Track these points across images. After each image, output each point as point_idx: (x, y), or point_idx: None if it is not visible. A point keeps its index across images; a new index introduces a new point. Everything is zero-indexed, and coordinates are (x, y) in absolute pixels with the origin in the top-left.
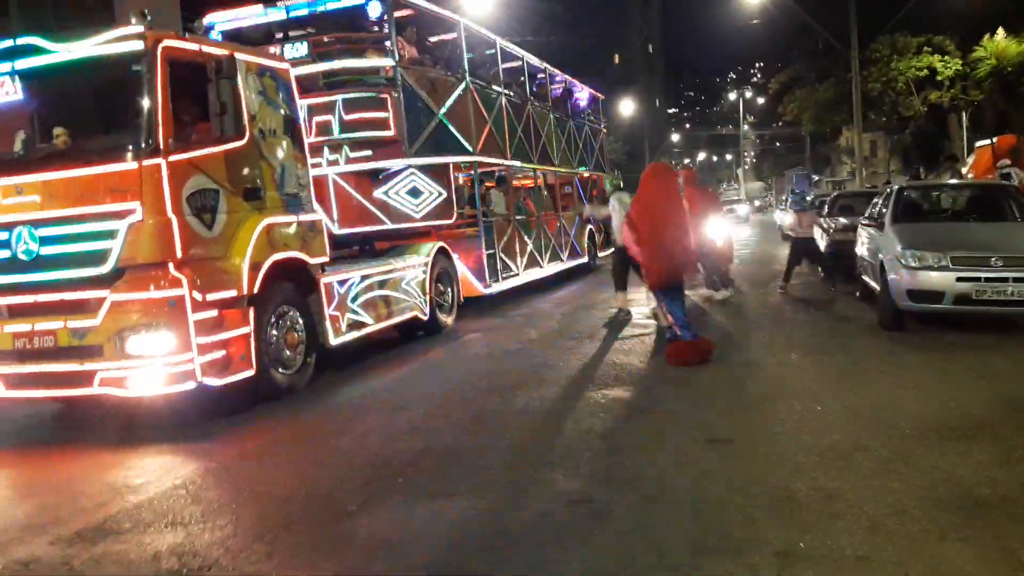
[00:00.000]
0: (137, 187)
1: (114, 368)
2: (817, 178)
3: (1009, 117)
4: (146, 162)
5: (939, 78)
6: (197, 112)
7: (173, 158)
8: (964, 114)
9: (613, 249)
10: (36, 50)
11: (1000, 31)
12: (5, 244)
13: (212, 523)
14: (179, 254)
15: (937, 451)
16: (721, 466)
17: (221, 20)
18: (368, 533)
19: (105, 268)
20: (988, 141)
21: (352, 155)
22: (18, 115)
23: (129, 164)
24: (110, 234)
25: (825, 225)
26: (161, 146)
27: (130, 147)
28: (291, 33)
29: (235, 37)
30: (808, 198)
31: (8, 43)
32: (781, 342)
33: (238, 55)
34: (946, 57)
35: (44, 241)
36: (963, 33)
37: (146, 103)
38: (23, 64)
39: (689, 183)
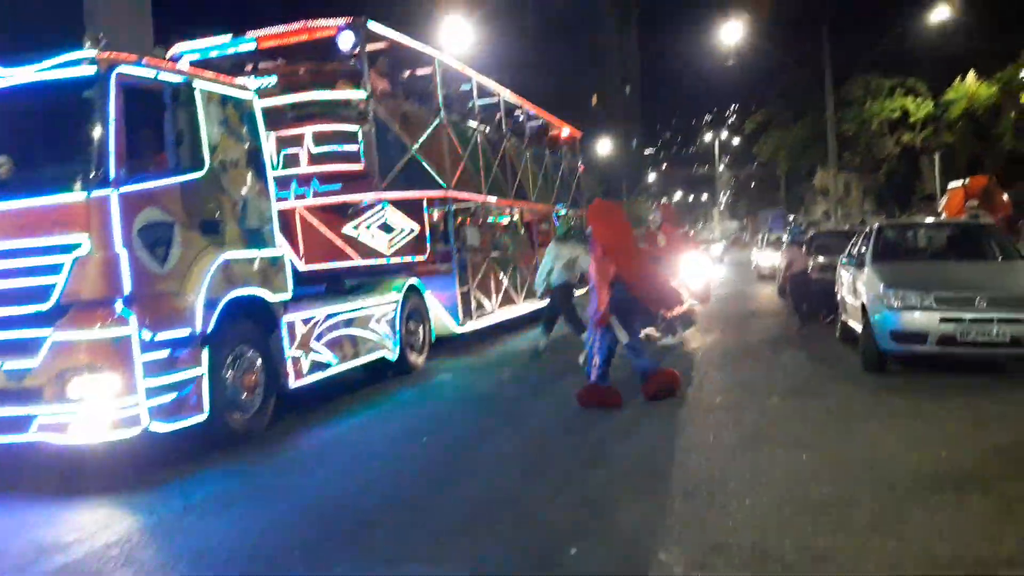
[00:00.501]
0: (84, 219)
1: (54, 413)
2: (792, 217)
3: (981, 159)
4: (94, 193)
5: (912, 120)
6: (154, 142)
7: (124, 189)
8: (936, 156)
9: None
10: None
11: (971, 74)
12: None
13: None
14: (127, 290)
15: (931, 505)
16: (698, 521)
17: (189, 50)
18: None
19: (47, 305)
20: (961, 182)
21: (321, 189)
22: None
23: (76, 195)
24: (54, 269)
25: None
26: (111, 176)
27: (78, 177)
28: (261, 65)
29: (204, 67)
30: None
31: None
32: (761, 384)
33: (197, 82)
34: (918, 99)
35: None
36: (935, 75)
37: (97, 131)
38: None
39: (668, 220)
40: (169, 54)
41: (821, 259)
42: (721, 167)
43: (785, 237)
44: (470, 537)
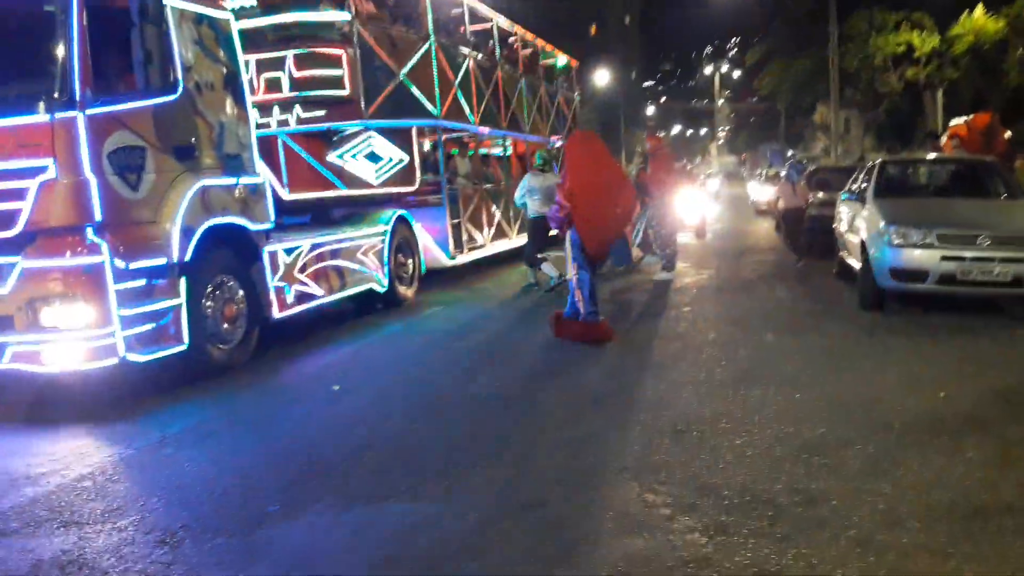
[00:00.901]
0: (49, 142)
1: (26, 341)
2: (791, 153)
3: (985, 95)
4: (60, 115)
5: (916, 55)
6: (124, 62)
7: (91, 111)
8: (940, 92)
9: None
10: None
11: (979, 8)
12: None
13: (112, 524)
14: (98, 217)
15: (928, 448)
16: (688, 461)
17: None
18: (285, 543)
19: (13, 231)
20: (963, 119)
21: (304, 115)
22: None
23: (41, 116)
24: (19, 194)
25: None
26: (77, 97)
27: (42, 98)
28: None
29: None
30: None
31: None
32: (755, 321)
33: None
34: (923, 33)
35: None
36: (942, 9)
37: (60, 49)
38: None
39: (656, 153)
40: None
41: (821, 195)
42: (721, 101)
43: (783, 172)
44: (450, 477)
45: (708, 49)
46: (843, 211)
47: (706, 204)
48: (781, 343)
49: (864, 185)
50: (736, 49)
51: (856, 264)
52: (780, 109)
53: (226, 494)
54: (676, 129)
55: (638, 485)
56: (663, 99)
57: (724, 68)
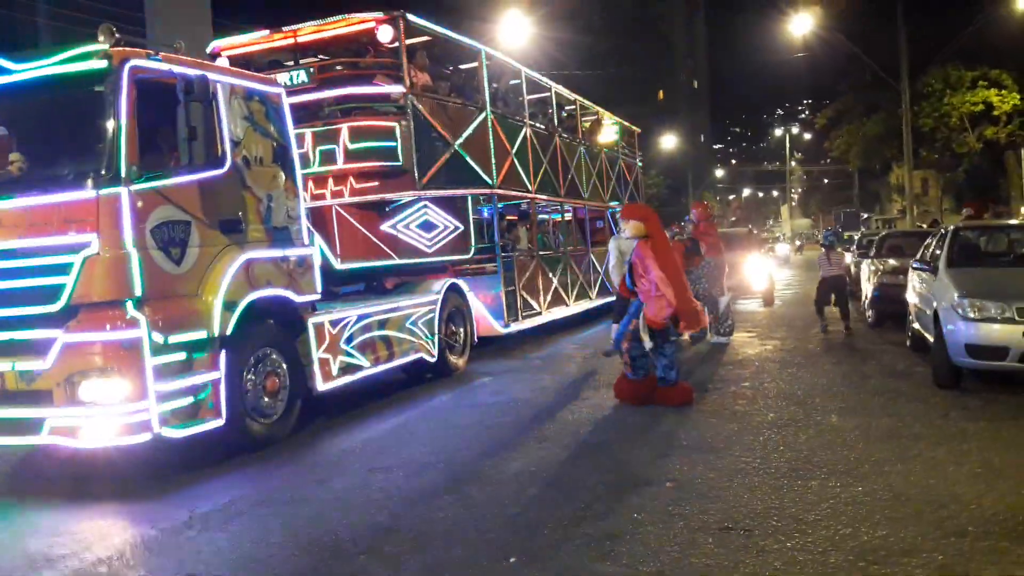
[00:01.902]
0: (94, 218)
1: (65, 416)
2: (866, 216)
3: None
4: (104, 191)
5: (995, 113)
6: (172, 138)
7: (136, 187)
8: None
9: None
10: None
11: None
12: None
13: None
14: (138, 291)
15: (1007, 559)
16: (731, 567)
17: (227, 46)
18: None
19: (57, 306)
20: None
21: (357, 186)
22: None
23: (87, 193)
24: (63, 269)
25: (873, 267)
26: (123, 174)
27: (89, 175)
28: (301, 61)
29: (243, 64)
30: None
31: None
32: (819, 400)
33: (215, 76)
34: (1003, 91)
35: None
36: (1021, 66)
37: (109, 127)
38: None
39: (703, 219)
40: (208, 50)
41: (892, 262)
42: (792, 163)
43: (822, 241)
44: (469, 571)
45: (778, 111)
46: (915, 280)
47: (774, 270)
48: (845, 425)
49: (937, 252)
50: (807, 111)
51: (930, 338)
52: (852, 171)
53: None
54: (747, 192)
55: None
56: (733, 161)
57: (795, 130)
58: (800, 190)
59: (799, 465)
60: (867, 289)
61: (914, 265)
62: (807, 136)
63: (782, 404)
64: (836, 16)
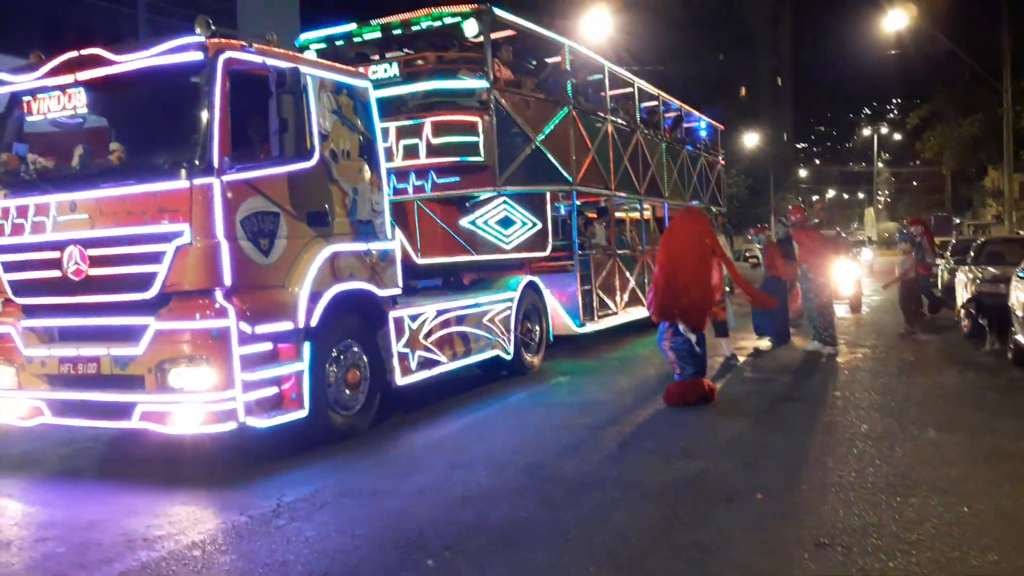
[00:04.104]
0: (187, 207)
1: (154, 402)
2: (958, 221)
3: None
4: (197, 181)
5: None
6: (264, 130)
7: (228, 178)
8: None
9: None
10: (99, 61)
11: None
12: (57, 263)
13: None
14: (227, 281)
15: None
16: None
17: (315, 39)
18: None
19: (150, 293)
20: None
21: (439, 181)
22: (81, 128)
23: (180, 183)
24: (157, 257)
25: (970, 274)
26: (215, 164)
27: (183, 165)
28: (388, 55)
29: (331, 57)
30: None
31: (73, 54)
32: (915, 413)
33: (306, 69)
34: None
35: (93, 261)
36: None
37: (203, 118)
38: (85, 75)
39: (800, 226)
40: (296, 43)
41: (992, 270)
42: (880, 164)
43: (899, 243)
44: (563, 572)
45: (866, 111)
46: (1019, 290)
47: (862, 275)
48: (945, 441)
49: None
50: (896, 111)
51: None
52: (944, 173)
53: None
54: (831, 193)
55: None
56: (817, 161)
57: (883, 130)
58: (888, 192)
59: (896, 481)
60: (962, 297)
61: (1020, 274)
62: (896, 136)
63: (875, 416)
64: (932, 13)
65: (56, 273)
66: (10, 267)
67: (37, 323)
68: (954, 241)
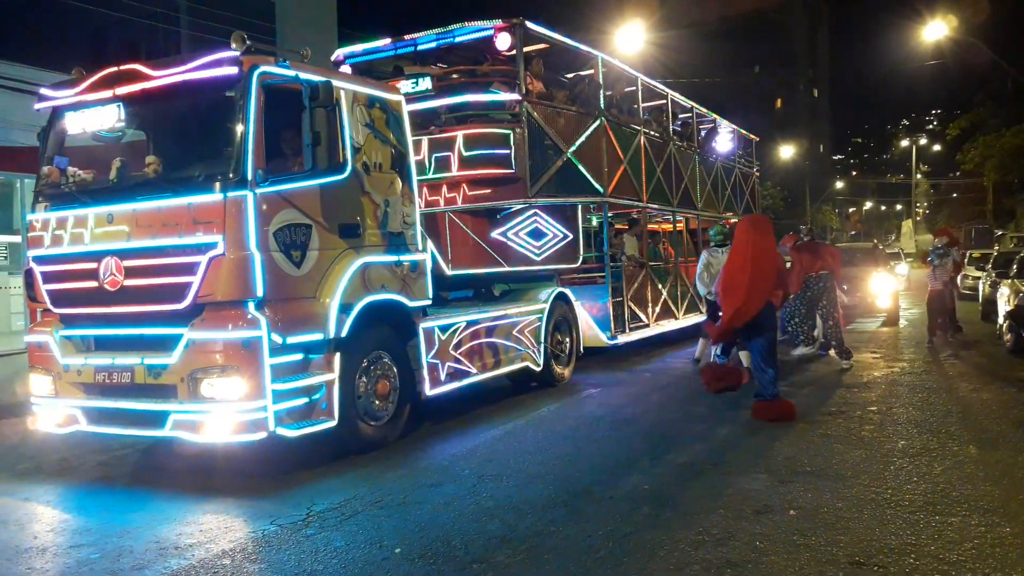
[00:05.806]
0: (220, 219)
1: (187, 411)
2: (1000, 233)
3: None
4: (231, 194)
5: None
6: (297, 143)
7: (261, 190)
8: None
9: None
10: (137, 76)
11: None
12: (93, 274)
13: None
14: (260, 292)
15: None
16: None
17: (352, 54)
18: None
19: (184, 304)
20: None
21: (470, 192)
22: (119, 142)
23: (214, 195)
24: (192, 268)
25: (1013, 288)
26: (249, 177)
27: (217, 178)
28: (420, 68)
29: (366, 71)
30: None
31: (112, 70)
32: (955, 428)
33: (339, 83)
34: None
35: (128, 272)
36: None
37: (237, 131)
38: (123, 90)
39: (794, 247)
40: (332, 58)
41: None
42: (918, 175)
43: (931, 259)
44: None
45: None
46: None
47: (898, 288)
48: (986, 458)
49: None
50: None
51: None
52: (985, 185)
53: None
54: (868, 204)
55: None
56: (854, 172)
57: (922, 141)
58: (926, 204)
59: (935, 499)
60: (1004, 311)
61: None
62: (935, 148)
63: (913, 431)
64: (974, 24)
65: (93, 284)
66: (49, 278)
67: (74, 332)
68: (995, 253)
